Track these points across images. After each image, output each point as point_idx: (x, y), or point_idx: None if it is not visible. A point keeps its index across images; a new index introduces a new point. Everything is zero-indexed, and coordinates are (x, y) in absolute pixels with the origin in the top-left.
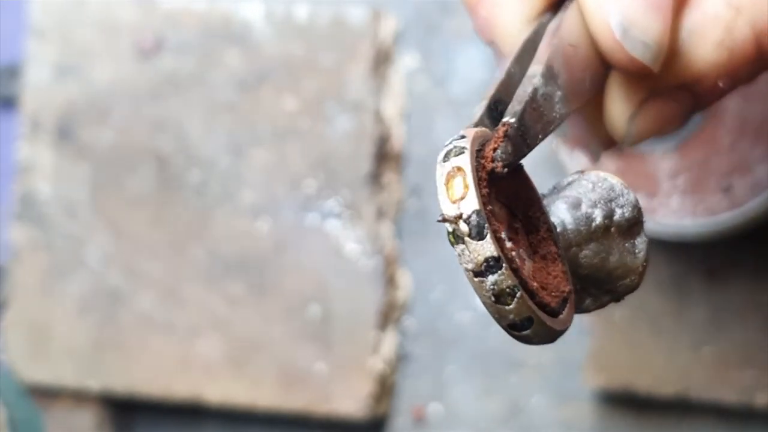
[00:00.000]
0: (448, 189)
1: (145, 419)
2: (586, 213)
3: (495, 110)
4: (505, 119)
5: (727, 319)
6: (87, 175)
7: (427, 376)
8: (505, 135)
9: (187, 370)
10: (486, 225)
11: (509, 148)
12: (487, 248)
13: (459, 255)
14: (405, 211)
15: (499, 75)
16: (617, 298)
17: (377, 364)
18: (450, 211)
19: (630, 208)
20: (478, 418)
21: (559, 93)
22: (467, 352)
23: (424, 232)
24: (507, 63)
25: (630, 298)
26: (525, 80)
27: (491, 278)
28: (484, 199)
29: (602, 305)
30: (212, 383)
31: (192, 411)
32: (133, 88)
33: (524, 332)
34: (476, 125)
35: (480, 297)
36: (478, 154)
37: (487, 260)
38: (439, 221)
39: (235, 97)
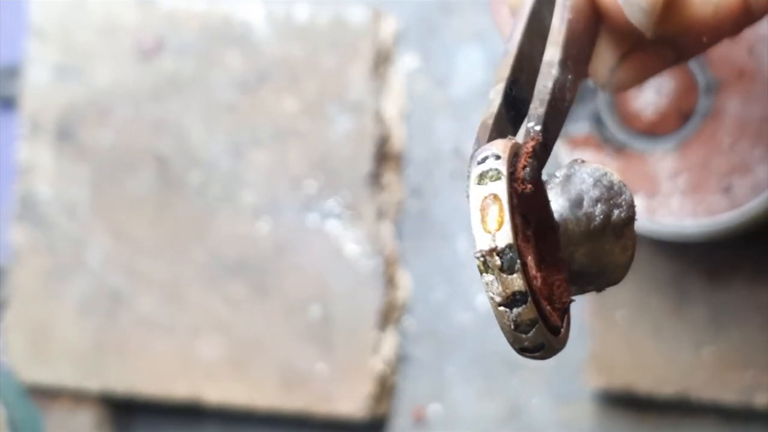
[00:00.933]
0: (483, 217)
1: (145, 419)
2: (587, 212)
3: (510, 93)
4: (530, 125)
5: (727, 319)
6: (87, 176)
7: (427, 376)
8: (533, 150)
9: (187, 370)
10: (518, 260)
11: (536, 164)
12: (516, 283)
13: (487, 284)
14: (405, 212)
15: (512, 50)
16: (600, 289)
17: (377, 364)
18: (484, 243)
19: (626, 208)
20: (478, 419)
21: (570, 77)
22: (467, 353)
23: (424, 233)
24: (518, 34)
25: (630, 298)
26: (543, 68)
27: (515, 310)
28: (516, 229)
29: (584, 293)
30: (212, 384)
31: (192, 411)
32: (134, 89)
33: (534, 354)
34: (495, 117)
35: (500, 323)
36: (511, 177)
37: (514, 294)
38: (475, 256)
39: (236, 98)
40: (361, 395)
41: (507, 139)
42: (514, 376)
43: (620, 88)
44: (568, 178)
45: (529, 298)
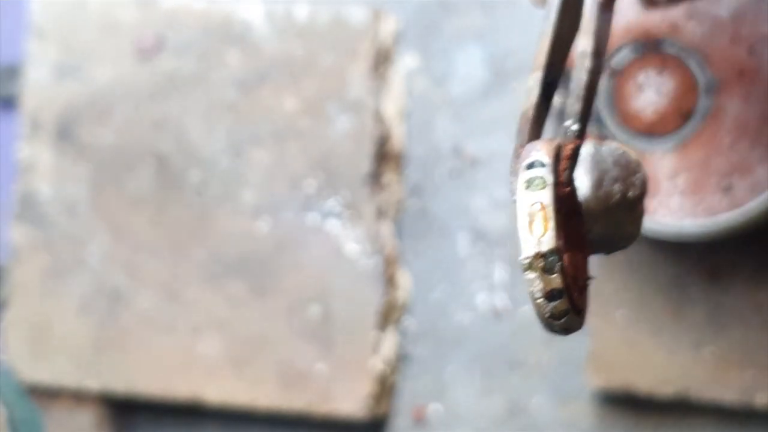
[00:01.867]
0: (530, 222)
1: (145, 419)
2: (606, 192)
3: (547, 80)
4: (567, 123)
5: (727, 319)
6: (87, 174)
7: (427, 376)
8: (573, 153)
9: (187, 370)
10: (558, 262)
11: (573, 164)
12: (555, 282)
13: (529, 281)
14: (405, 211)
15: (548, 30)
16: (610, 252)
17: (377, 364)
18: (530, 248)
19: (640, 185)
20: (478, 418)
21: (598, 62)
22: (467, 353)
23: (424, 232)
24: (553, 13)
25: (630, 298)
26: (578, 60)
27: (552, 304)
28: (559, 234)
29: (595, 254)
30: (212, 383)
31: (192, 411)
32: (134, 88)
33: (561, 333)
34: (536, 107)
35: (537, 313)
36: (555, 184)
37: (552, 290)
38: (522, 262)
39: (236, 97)
40: (361, 395)
41: (548, 140)
42: (514, 375)
43: None
44: (589, 158)
45: (565, 294)
